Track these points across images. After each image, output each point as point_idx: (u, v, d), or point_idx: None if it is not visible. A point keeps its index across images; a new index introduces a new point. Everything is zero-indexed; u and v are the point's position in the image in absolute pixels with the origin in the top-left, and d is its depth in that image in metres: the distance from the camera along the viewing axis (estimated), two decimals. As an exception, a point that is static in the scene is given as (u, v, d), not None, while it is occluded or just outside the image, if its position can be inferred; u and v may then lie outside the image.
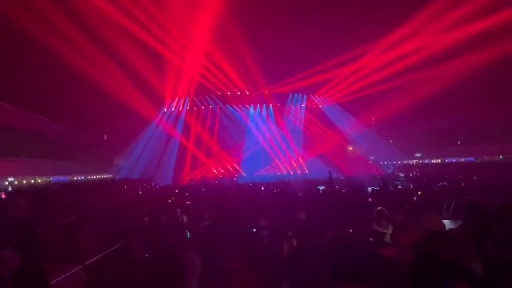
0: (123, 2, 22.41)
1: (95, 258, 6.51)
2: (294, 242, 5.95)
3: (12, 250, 4.84)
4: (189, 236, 7.21)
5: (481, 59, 25.57)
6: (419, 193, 11.44)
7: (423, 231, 3.80)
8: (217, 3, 23.75)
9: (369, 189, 14.12)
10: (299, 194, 13.36)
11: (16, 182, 23.64)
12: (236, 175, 37.25)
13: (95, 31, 24.16)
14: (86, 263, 5.72)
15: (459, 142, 36.02)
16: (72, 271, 4.77)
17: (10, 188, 19.36)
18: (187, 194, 15.50)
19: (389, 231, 6.58)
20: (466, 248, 3.20)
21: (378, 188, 14.25)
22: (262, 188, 16.55)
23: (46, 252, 5.81)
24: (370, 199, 10.89)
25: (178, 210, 10.20)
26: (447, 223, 5.45)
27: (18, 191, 10.17)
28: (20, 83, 25.33)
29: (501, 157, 30.27)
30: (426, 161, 38.54)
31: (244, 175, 36.32)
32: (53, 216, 8.49)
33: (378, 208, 6.99)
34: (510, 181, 11.78)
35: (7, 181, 23.91)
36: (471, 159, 33.88)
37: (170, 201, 13.30)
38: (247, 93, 38.42)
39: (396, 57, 30.22)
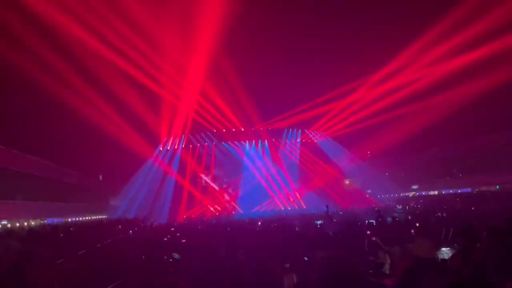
0: (117, 42, 22.77)
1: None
2: (295, 278, 5.81)
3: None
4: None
5: (475, 90, 25.98)
6: (417, 224, 11.28)
7: (414, 258, 3.74)
8: (210, 41, 24.21)
9: (367, 221, 13.97)
10: (297, 229, 13.19)
11: (9, 225, 23.20)
12: (233, 212, 36.86)
13: (90, 73, 24.47)
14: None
15: (460, 175, 35.97)
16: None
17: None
18: (178, 234, 15.25)
19: (387, 261, 6.47)
20: (458, 272, 3.12)
21: (375, 221, 14.08)
22: (259, 223, 16.32)
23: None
24: (368, 232, 10.74)
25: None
26: (446, 251, 5.36)
27: (8, 233, 9.94)
28: (14, 124, 25.35)
29: (497, 187, 30.19)
30: (423, 193, 38.37)
31: (241, 211, 35.93)
32: (44, 258, 8.29)
33: (373, 239, 6.89)
34: (507, 209, 11.69)
35: (0, 224, 23.50)
36: (468, 190, 33.76)
37: (165, 239, 13.08)
38: (242, 129, 38.62)
39: (389, 91, 30.64)
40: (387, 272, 6.18)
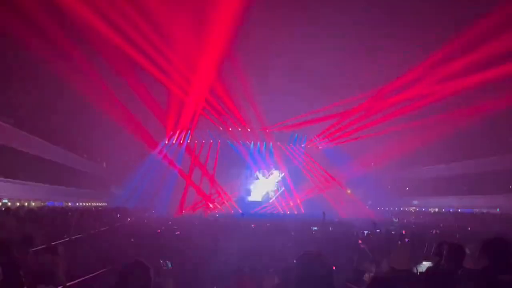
0: (129, 32, 22.80)
1: (76, 281, 6.46)
2: (276, 279, 5.89)
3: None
4: (170, 266, 7.16)
5: (482, 109, 25.90)
6: (406, 239, 11.32)
7: (389, 268, 3.83)
8: (223, 39, 24.30)
9: (361, 231, 14.03)
10: (292, 233, 13.30)
11: (9, 204, 23.45)
12: (232, 211, 36.98)
13: (101, 61, 24.69)
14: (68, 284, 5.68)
15: (463, 194, 35.77)
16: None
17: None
18: (175, 227, 15.40)
19: (372, 271, 6.56)
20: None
21: (370, 231, 14.14)
22: (253, 226, 16.38)
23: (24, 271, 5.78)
24: (360, 241, 10.83)
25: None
26: (427, 265, 5.46)
27: (6, 210, 10.14)
28: (22, 105, 25.63)
29: (498, 209, 30.03)
30: (424, 209, 38.26)
31: (240, 211, 36.05)
32: (40, 237, 8.46)
33: (361, 246, 6.98)
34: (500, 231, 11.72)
35: (1, 202, 23.76)
36: (469, 210, 33.60)
37: (159, 231, 13.23)
38: (248, 130, 38.75)
39: (398, 104, 30.68)
40: (367, 280, 6.26)
